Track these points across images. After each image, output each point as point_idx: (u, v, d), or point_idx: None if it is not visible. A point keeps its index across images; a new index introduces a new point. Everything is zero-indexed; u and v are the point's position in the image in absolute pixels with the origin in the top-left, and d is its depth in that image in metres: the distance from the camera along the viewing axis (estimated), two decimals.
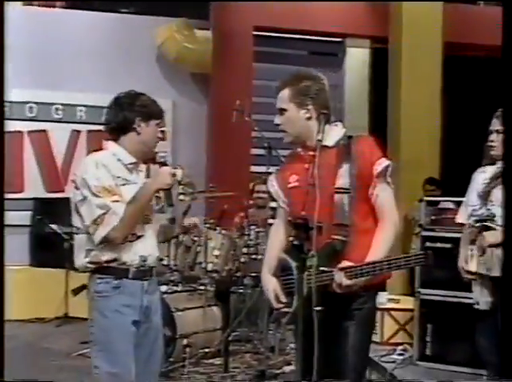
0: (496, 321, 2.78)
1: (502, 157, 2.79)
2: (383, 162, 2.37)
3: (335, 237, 2.30)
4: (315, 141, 2.34)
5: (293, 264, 2.38)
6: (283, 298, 2.43)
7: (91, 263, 2.46)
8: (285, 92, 2.43)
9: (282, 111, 2.44)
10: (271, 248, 2.62)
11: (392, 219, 2.38)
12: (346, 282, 2.21)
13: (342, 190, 2.33)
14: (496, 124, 2.97)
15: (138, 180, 2.56)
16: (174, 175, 2.51)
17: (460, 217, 3.25)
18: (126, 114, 2.53)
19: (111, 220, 2.38)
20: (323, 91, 2.44)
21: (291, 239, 2.44)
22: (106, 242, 2.41)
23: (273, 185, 2.61)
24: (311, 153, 2.36)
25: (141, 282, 2.49)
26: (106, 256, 2.44)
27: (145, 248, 2.51)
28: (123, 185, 2.48)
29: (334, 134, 2.44)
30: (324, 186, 2.28)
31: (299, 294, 2.30)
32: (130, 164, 2.53)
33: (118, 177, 2.48)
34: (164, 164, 2.54)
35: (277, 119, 2.47)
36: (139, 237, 2.49)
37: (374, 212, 2.39)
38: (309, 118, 2.41)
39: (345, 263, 2.25)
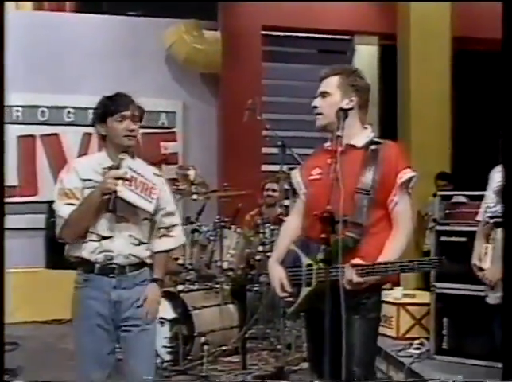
0: None
1: (502, 154, 2.78)
2: (408, 173, 2.41)
3: (349, 234, 2.33)
4: (340, 135, 2.36)
5: (303, 257, 2.43)
6: (288, 288, 2.47)
7: (67, 256, 2.62)
8: (335, 78, 2.49)
9: (325, 94, 2.49)
10: (283, 238, 2.65)
11: (406, 229, 2.41)
12: (356, 279, 2.25)
13: (362, 191, 2.36)
14: None
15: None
16: (122, 178, 2.48)
17: (480, 215, 3.27)
18: (92, 123, 2.64)
19: (59, 222, 2.53)
20: (368, 91, 2.53)
21: (306, 233, 2.49)
22: (60, 240, 2.56)
23: (296, 177, 2.65)
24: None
25: (108, 278, 2.56)
26: (73, 253, 2.58)
27: (112, 248, 2.55)
28: (93, 187, 2.52)
29: (363, 135, 2.50)
30: (347, 181, 2.30)
31: (309, 285, 2.36)
32: (104, 168, 2.57)
33: (89, 180, 2.55)
34: (115, 167, 2.53)
35: (317, 102, 2.51)
36: (106, 238, 2.54)
37: (388, 218, 2.42)
38: (351, 109, 2.45)
39: (357, 261, 2.28)
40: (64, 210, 2.53)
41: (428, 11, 6.76)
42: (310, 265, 2.39)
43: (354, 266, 2.26)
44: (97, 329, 2.58)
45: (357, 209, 2.35)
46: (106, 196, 2.48)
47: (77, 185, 2.55)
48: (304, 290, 2.40)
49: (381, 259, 2.31)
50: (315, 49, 7.96)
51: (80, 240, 2.55)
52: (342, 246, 2.27)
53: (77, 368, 2.65)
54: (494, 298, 3.10)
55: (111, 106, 2.57)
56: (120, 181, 2.48)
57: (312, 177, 2.54)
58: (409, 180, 2.41)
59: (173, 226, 2.73)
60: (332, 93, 2.47)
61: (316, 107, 2.50)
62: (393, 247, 2.37)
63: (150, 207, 2.60)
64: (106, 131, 2.59)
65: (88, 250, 2.54)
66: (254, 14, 7.21)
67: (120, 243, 2.56)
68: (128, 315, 2.60)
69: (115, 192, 2.47)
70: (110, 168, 2.55)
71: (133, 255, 2.60)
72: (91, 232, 2.54)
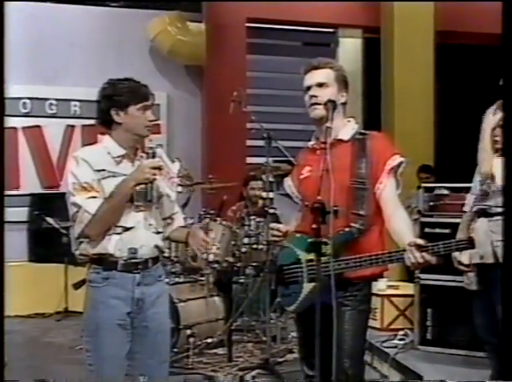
0: (490, 299, 2.84)
1: (502, 147, 2.81)
2: (396, 159, 2.44)
3: (353, 225, 2.34)
4: (330, 126, 2.37)
5: (300, 253, 2.44)
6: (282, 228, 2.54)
7: (81, 255, 2.47)
8: (330, 71, 2.48)
9: (323, 85, 2.46)
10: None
11: (401, 207, 2.43)
12: (430, 257, 2.18)
13: (358, 182, 2.38)
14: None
15: (129, 171, 2.46)
16: (158, 168, 2.42)
17: (467, 206, 3.30)
18: (102, 107, 2.48)
19: (83, 217, 2.38)
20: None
21: (300, 228, 2.50)
22: (83, 238, 2.42)
23: (289, 183, 2.70)
24: (323, 145, 2.40)
25: (131, 274, 2.45)
26: (93, 250, 2.43)
27: (136, 240, 2.45)
28: (109, 177, 2.43)
29: (348, 128, 2.51)
30: (339, 175, 2.31)
31: (312, 281, 2.35)
32: (118, 157, 2.48)
33: (103, 170, 2.43)
34: (150, 156, 2.46)
35: (316, 91, 2.46)
36: (128, 229, 2.43)
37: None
38: (344, 104, 2.49)
39: (419, 241, 2.21)
40: (89, 204, 2.37)
41: (412, 4, 6.78)
42: (311, 260, 2.36)
43: (419, 246, 2.19)
44: (119, 330, 2.44)
45: (356, 200, 2.36)
46: (141, 187, 2.40)
47: (93, 177, 2.40)
48: (308, 286, 2.38)
49: (407, 239, 2.24)
50: (299, 42, 7.96)
51: (102, 235, 2.41)
52: (347, 237, 2.30)
53: (94, 371, 2.47)
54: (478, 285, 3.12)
55: (135, 94, 2.45)
56: (157, 171, 2.41)
57: (302, 176, 2.56)
58: (398, 165, 2.44)
59: (177, 213, 2.68)
60: (330, 84, 2.47)
61: (315, 97, 2.45)
62: (410, 227, 2.37)
63: (174, 195, 2.57)
64: (124, 119, 2.45)
65: (113, 244, 2.41)
66: (239, 6, 7.17)
67: (142, 234, 2.45)
68: (149, 313, 2.49)
69: (152, 182, 2.41)
70: (141, 156, 2.47)
71: (157, 246, 2.50)
72: (115, 225, 2.42)
